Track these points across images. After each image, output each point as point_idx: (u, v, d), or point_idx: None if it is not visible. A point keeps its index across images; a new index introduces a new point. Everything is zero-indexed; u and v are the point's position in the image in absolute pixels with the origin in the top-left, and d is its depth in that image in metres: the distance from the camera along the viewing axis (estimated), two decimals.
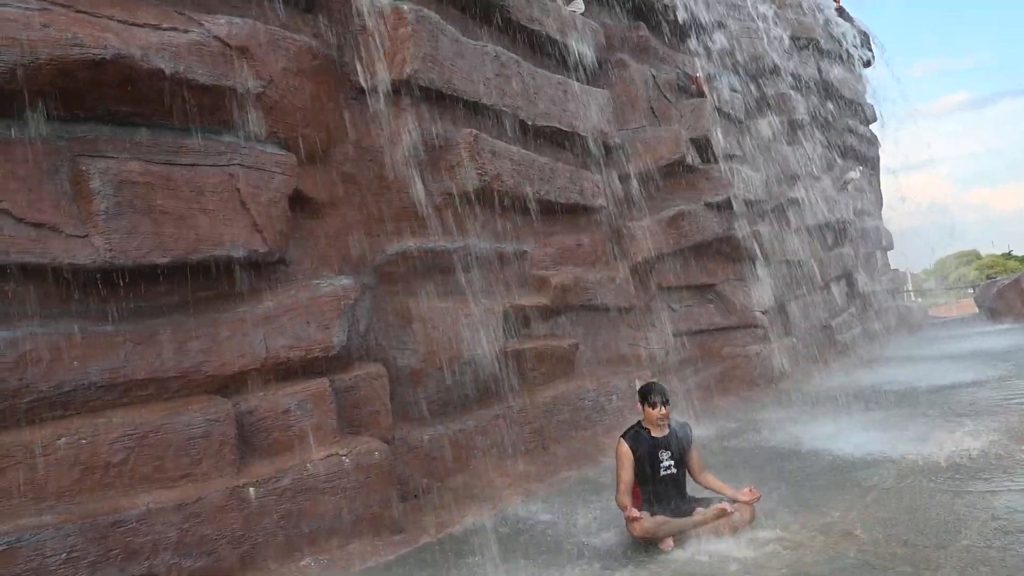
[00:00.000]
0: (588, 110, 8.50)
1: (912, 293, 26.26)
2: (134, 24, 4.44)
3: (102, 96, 4.31)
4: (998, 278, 23.09)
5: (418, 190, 6.42)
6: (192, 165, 4.66)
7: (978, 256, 40.25)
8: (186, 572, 4.01)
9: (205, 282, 4.76)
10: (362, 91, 6.22)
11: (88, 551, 3.68)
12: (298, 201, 5.39)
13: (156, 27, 4.54)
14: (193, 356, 4.49)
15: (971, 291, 26.09)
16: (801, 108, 14.00)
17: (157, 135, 4.61)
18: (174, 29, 4.62)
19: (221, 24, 4.90)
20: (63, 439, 3.88)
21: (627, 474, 4.43)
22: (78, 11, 4.20)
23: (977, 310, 21.32)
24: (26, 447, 3.78)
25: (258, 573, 4.28)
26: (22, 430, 3.83)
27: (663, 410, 4.50)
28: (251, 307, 4.85)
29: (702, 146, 10.30)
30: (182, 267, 4.56)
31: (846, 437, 6.67)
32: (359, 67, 6.18)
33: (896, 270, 20.09)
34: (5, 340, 3.82)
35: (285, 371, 4.93)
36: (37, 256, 3.96)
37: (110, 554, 3.76)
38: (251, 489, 4.34)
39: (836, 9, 17.84)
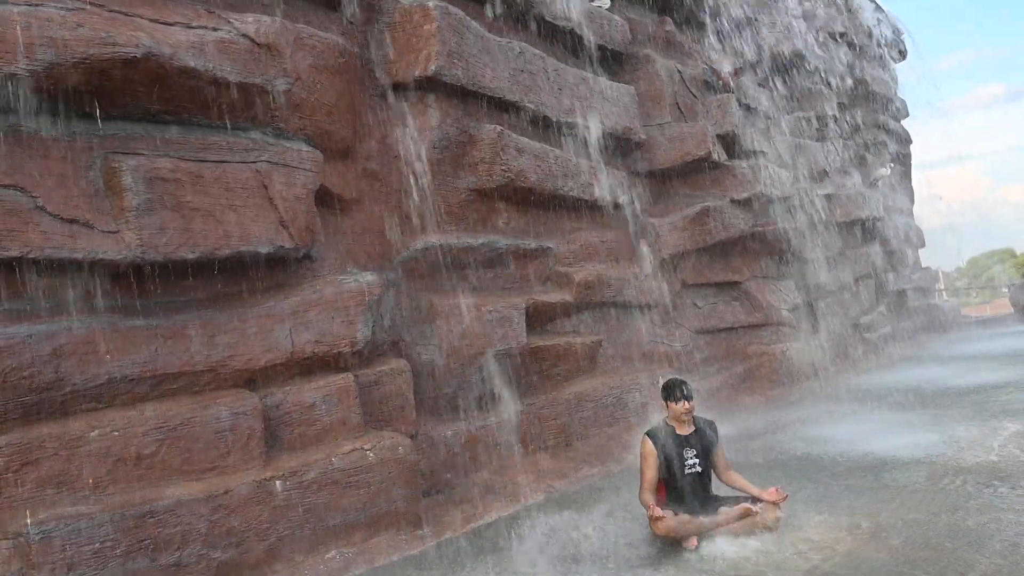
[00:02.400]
0: (614, 106, 8.46)
1: (944, 292, 25.75)
2: (165, 23, 4.51)
3: (134, 94, 4.38)
4: None
5: (442, 186, 6.45)
6: (220, 162, 4.72)
7: (1013, 255, 39.31)
8: (215, 563, 4.07)
9: (232, 277, 4.82)
10: (387, 88, 6.25)
11: (120, 541, 3.76)
12: (324, 197, 5.44)
13: (186, 25, 4.61)
14: (221, 350, 4.55)
15: (1005, 290, 25.49)
16: (831, 103, 13.78)
17: (187, 132, 4.67)
18: (203, 27, 4.69)
19: (249, 22, 4.96)
20: (96, 431, 3.96)
21: (651, 472, 4.41)
22: (111, 11, 4.28)
23: (1012, 310, 20.84)
24: (60, 439, 3.86)
25: (284, 565, 4.33)
26: (57, 422, 3.92)
27: (686, 404, 4.47)
28: (277, 302, 4.91)
29: (728, 142, 10.19)
30: (210, 262, 4.63)
31: (875, 437, 6.57)
32: (384, 64, 6.22)
33: (927, 268, 19.70)
34: (41, 333, 3.90)
35: (311, 366, 4.98)
36: (70, 251, 4.04)
37: (141, 544, 3.83)
38: (277, 482, 4.40)
39: (868, 3, 17.51)
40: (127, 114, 4.46)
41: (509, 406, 6.50)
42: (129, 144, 4.38)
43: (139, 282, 4.39)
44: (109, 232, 4.18)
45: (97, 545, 3.68)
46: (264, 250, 4.84)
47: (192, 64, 4.48)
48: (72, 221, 4.07)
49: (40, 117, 4.11)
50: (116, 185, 4.24)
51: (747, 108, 10.96)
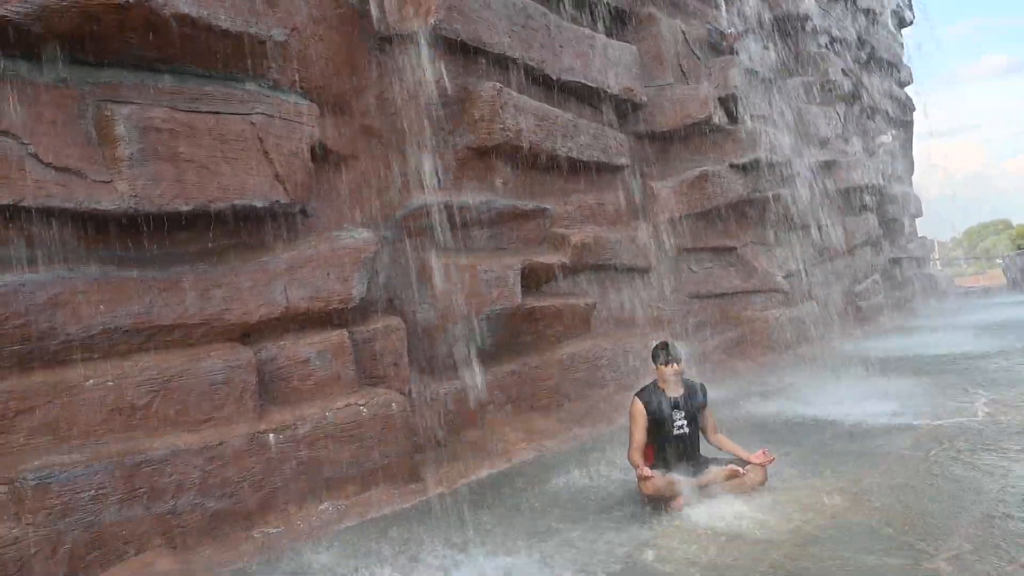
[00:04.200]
0: (615, 66, 8.33)
1: (939, 262, 25.82)
2: None
3: (127, 40, 4.29)
4: None
5: (440, 144, 6.38)
6: (215, 113, 4.65)
7: (1009, 226, 39.32)
8: (209, 512, 4.14)
9: (227, 231, 4.80)
10: (386, 41, 6.14)
11: (116, 488, 3.81)
12: (320, 152, 5.38)
13: None
14: (216, 304, 4.55)
15: (999, 261, 25.58)
16: (835, 68, 13.59)
17: (181, 82, 4.59)
18: None
19: None
20: (91, 381, 3.98)
21: (640, 432, 4.47)
22: None
23: (1005, 281, 20.94)
24: (55, 388, 3.88)
25: (278, 515, 4.41)
26: (52, 371, 3.93)
27: (674, 367, 4.50)
28: (272, 257, 4.89)
29: (730, 105, 10.08)
30: (205, 215, 4.60)
31: (864, 404, 6.66)
32: (383, 17, 6.08)
33: (924, 238, 19.72)
34: (35, 283, 3.89)
35: (305, 321, 4.99)
36: (62, 200, 4.00)
37: (136, 492, 3.88)
38: (271, 435, 4.44)
39: None
40: (120, 61, 4.37)
41: (503, 366, 6.55)
42: (122, 92, 4.31)
43: (133, 233, 4.37)
44: (102, 182, 4.14)
45: (93, 492, 3.73)
46: (259, 204, 4.80)
47: (186, 11, 4.38)
48: (64, 170, 4.03)
49: (31, 63, 4.04)
50: (109, 134, 4.19)
51: (750, 71, 10.81)
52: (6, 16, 3.77)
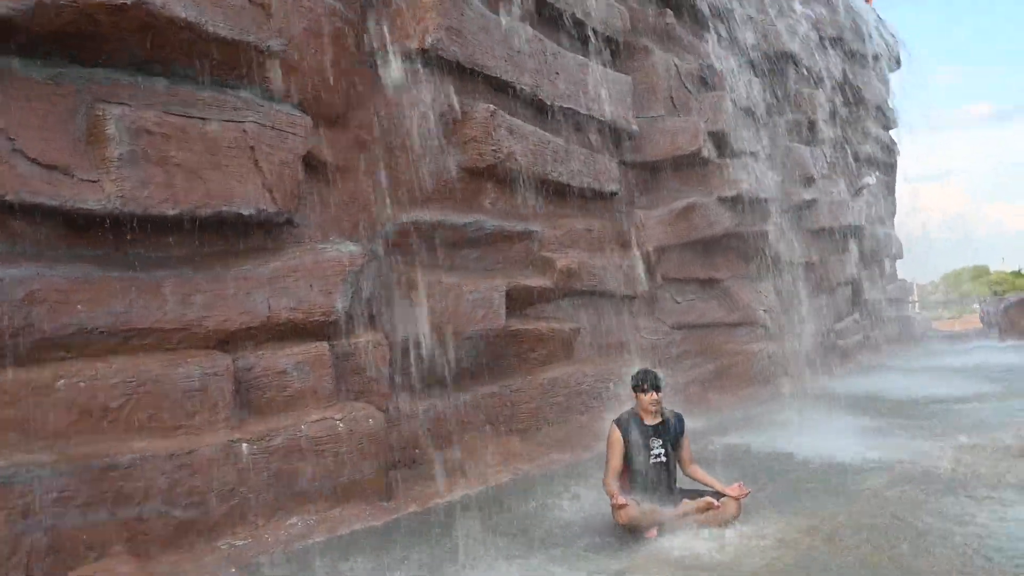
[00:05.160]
0: (609, 94, 8.43)
1: (917, 304, 26.16)
2: None
3: (122, 41, 4.28)
4: (1006, 296, 22.97)
5: (431, 162, 6.40)
6: (208, 119, 4.64)
7: (987, 272, 39.98)
8: (175, 521, 4.06)
9: (212, 237, 4.76)
10: (382, 58, 6.17)
11: (80, 491, 3.73)
12: (311, 164, 5.38)
13: None
14: (196, 310, 4.51)
15: (976, 306, 25.97)
16: (822, 108, 13.84)
17: (175, 86, 4.58)
18: None
19: None
20: (63, 380, 3.91)
21: (616, 459, 4.46)
22: None
23: (981, 326, 21.25)
24: (25, 386, 3.81)
25: (245, 528, 4.33)
26: (24, 368, 3.86)
27: (654, 395, 4.51)
28: (256, 266, 4.86)
29: (719, 139, 10.22)
30: (191, 220, 4.56)
31: (840, 442, 6.69)
32: (380, 34, 6.13)
33: (903, 280, 19.99)
34: (13, 278, 3.83)
35: (285, 332, 4.95)
36: (48, 197, 3.96)
37: (102, 496, 3.80)
38: (244, 445, 4.38)
39: (868, 10, 17.56)
40: (115, 62, 4.36)
41: (483, 387, 6.53)
42: (115, 93, 4.29)
43: (117, 234, 4.33)
44: (89, 181, 4.11)
45: (56, 494, 3.65)
46: (247, 212, 4.78)
47: (183, 15, 4.38)
48: (51, 167, 3.99)
49: (25, 59, 4.01)
50: (99, 134, 4.16)
51: (739, 107, 10.98)
52: (1, 12, 3.75)
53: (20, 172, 3.88)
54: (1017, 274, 36.59)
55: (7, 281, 3.81)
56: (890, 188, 19.14)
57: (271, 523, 4.44)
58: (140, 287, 4.30)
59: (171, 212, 4.41)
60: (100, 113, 4.17)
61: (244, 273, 4.78)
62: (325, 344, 5.09)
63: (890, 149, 18.81)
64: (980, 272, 39.74)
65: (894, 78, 19.06)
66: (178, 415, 4.27)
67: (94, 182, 4.12)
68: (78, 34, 4.11)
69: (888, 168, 18.79)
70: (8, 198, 3.83)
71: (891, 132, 18.96)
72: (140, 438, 4.09)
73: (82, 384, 3.97)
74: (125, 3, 4.10)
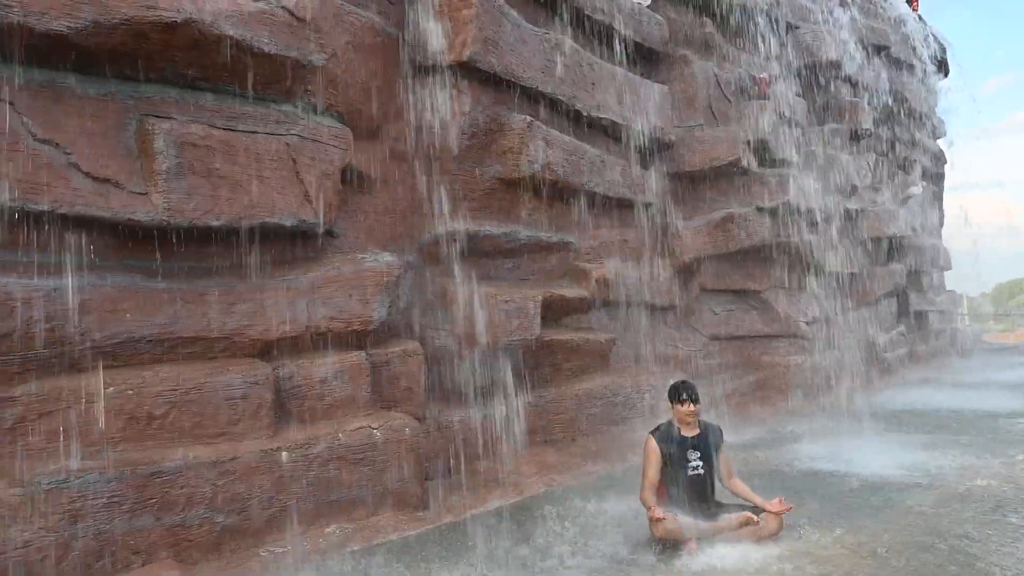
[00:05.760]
0: (646, 104, 8.40)
1: (967, 316, 25.36)
2: None
3: (171, 59, 4.42)
4: None
5: (468, 173, 6.45)
6: (251, 132, 4.75)
7: None
8: (218, 527, 4.13)
9: (254, 247, 4.85)
10: (420, 70, 6.25)
11: (127, 497, 3.83)
12: (350, 175, 5.46)
13: None
14: (239, 319, 4.60)
15: None
16: (867, 117, 13.56)
17: (220, 100, 4.71)
18: None
19: None
20: (111, 388, 4.03)
21: (653, 471, 4.40)
22: None
23: None
24: (76, 393, 3.93)
25: (284, 535, 4.39)
26: (74, 376, 3.98)
27: (691, 407, 4.45)
28: (297, 276, 4.95)
29: (759, 150, 10.08)
30: (234, 231, 4.67)
31: (884, 457, 6.51)
32: (419, 46, 6.21)
33: (952, 291, 19.40)
34: (66, 287, 3.96)
35: (325, 341, 5.01)
36: (99, 209, 4.09)
37: (147, 502, 3.90)
38: (284, 453, 4.45)
39: (915, 17, 17.17)
40: (163, 78, 4.50)
41: (518, 397, 6.52)
42: (163, 108, 4.43)
43: (163, 245, 4.45)
44: (138, 193, 4.24)
45: (104, 500, 3.75)
46: (288, 223, 4.88)
47: (231, 33, 4.50)
48: (103, 180, 4.13)
49: (80, 75, 4.16)
50: (148, 148, 4.29)
51: (781, 116, 10.83)
52: (59, 31, 3.90)
53: (75, 186, 4.02)
54: None
55: (59, 291, 3.94)
56: (938, 198, 18.63)
57: (310, 530, 4.50)
58: (185, 297, 4.42)
59: (215, 223, 4.52)
60: (149, 128, 4.31)
61: (285, 283, 4.87)
62: (363, 353, 5.15)
63: (937, 158, 18.34)
64: None
65: (942, 86, 18.59)
66: (221, 422, 4.36)
67: (143, 194, 4.25)
68: (130, 52, 4.25)
69: (936, 178, 18.31)
70: (62, 210, 3.97)
71: (939, 141, 18.48)
72: (184, 445, 4.18)
73: (130, 392, 4.08)
74: (175, 21, 4.23)
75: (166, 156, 4.31)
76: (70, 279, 3.98)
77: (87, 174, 4.06)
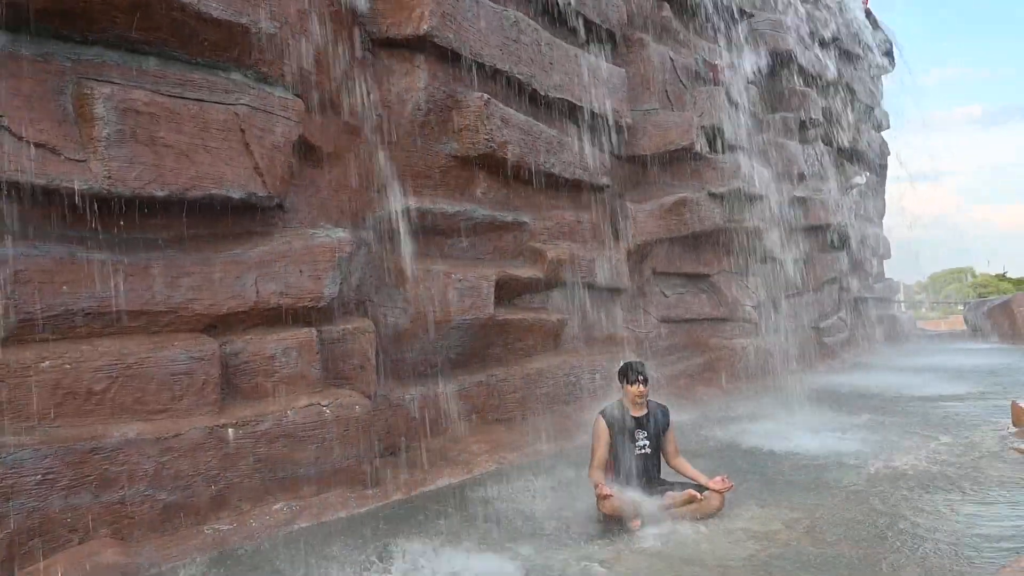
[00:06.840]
0: (603, 86, 8.42)
1: (903, 304, 26.36)
2: None
3: (113, 19, 4.23)
4: (989, 298, 23.22)
5: (423, 150, 6.38)
6: (198, 100, 4.60)
7: (973, 274, 40.36)
8: (160, 505, 4.05)
9: (201, 220, 4.73)
10: (376, 43, 6.13)
11: (64, 474, 3.71)
12: (302, 148, 5.34)
13: None
14: (184, 293, 4.48)
15: (961, 308, 26.23)
16: (816, 107, 13.89)
17: (165, 66, 4.54)
18: None
19: None
20: (47, 362, 3.88)
21: (602, 450, 4.48)
22: None
23: (965, 327, 21.47)
24: (9, 367, 3.77)
25: (230, 512, 4.33)
26: (7, 349, 3.82)
27: (640, 388, 4.54)
28: (245, 250, 4.84)
29: (712, 135, 10.23)
30: (179, 202, 4.53)
31: (823, 438, 6.76)
32: (375, 18, 6.08)
33: (890, 279, 20.13)
34: None
35: (273, 317, 4.93)
36: (34, 176, 3.91)
37: (85, 479, 3.79)
38: (230, 430, 4.37)
39: (864, 11, 17.60)
40: (105, 40, 4.31)
41: (470, 376, 6.53)
42: (104, 71, 4.25)
43: (103, 215, 4.28)
44: (76, 160, 4.07)
45: (40, 476, 3.63)
46: (236, 195, 4.75)
47: None
48: (38, 145, 3.94)
49: (12, 35, 3.96)
50: (87, 113, 4.11)
51: (733, 103, 11.00)
52: None
53: (6, 150, 3.83)
54: (1000, 277, 36.98)
55: None
56: (880, 188, 19.24)
57: (257, 508, 4.44)
58: (127, 269, 4.27)
59: (159, 193, 4.38)
60: (88, 91, 4.13)
61: (233, 257, 4.75)
62: (313, 330, 5.08)
63: (881, 149, 18.91)
64: (964, 274, 40.11)
65: (886, 79, 19.14)
66: (164, 398, 4.25)
67: (81, 162, 4.08)
68: (68, 11, 4.05)
69: (879, 168, 18.89)
70: None
71: (883, 133, 19.05)
72: (126, 421, 4.07)
73: (67, 366, 3.94)
74: None
75: (106, 122, 4.14)
76: (2, 248, 3.81)
77: (20, 138, 3.88)
